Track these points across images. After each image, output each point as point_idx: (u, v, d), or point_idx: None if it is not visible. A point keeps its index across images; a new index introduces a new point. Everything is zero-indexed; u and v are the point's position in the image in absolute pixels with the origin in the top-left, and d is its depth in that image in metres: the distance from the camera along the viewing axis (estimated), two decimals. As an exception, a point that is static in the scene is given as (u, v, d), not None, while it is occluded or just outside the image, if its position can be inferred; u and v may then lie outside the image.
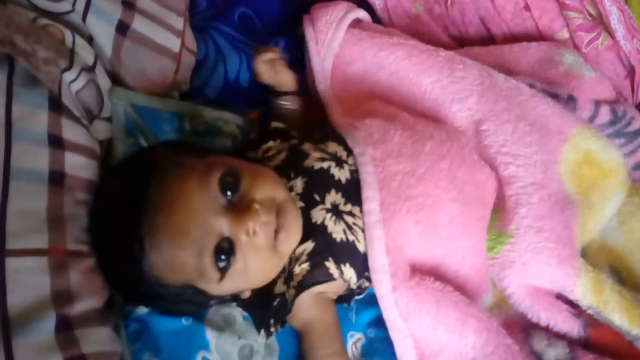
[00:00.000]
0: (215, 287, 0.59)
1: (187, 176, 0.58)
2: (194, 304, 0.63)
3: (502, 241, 0.69)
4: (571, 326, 0.67)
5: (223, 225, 0.57)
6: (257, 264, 0.59)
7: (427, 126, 0.71)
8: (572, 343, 0.66)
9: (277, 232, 0.59)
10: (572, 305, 0.69)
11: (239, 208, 0.58)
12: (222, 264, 0.57)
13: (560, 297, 0.70)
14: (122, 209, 0.57)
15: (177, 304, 0.61)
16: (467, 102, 0.75)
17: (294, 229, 0.61)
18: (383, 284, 0.61)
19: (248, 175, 0.60)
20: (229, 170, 0.59)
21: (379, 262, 0.61)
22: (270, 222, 0.59)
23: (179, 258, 0.56)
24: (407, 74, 0.78)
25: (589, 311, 0.67)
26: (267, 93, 0.84)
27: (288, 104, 0.82)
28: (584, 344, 0.67)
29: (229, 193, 0.58)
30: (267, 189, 0.61)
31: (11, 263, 0.51)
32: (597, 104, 0.78)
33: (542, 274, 0.67)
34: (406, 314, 0.61)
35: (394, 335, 0.62)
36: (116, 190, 0.60)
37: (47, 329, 0.52)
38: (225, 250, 0.57)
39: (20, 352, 0.49)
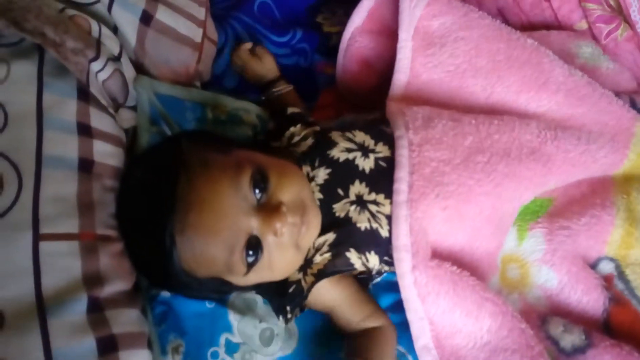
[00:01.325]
0: (241, 279, 0.61)
1: (218, 177, 0.59)
2: (217, 292, 0.65)
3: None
4: (598, 296, 0.69)
5: (253, 225, 0.58)
6: (281, 260, 0.61)
7: (475, 118, 0.71)
8: (589, 329, 0.67)
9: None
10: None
11: (267, 209, 0.59)
12: (250, 259, 0.59)
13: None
14: (151, 205, 0.58)
15: (202, 292, 0.63)
16: (555, 97, 0.74)
17: (313, 226, 0.63)
18: (404, 262, 0.62)
19: (275, 173, 0.61)
20: (257, 169, 0.60)
21: (402, 241, 0.62)
22: (296, 224, 0.60)
23: (209, 254, 0.58)
24: (499, 39, 0.75)
25: (607, 268, 0.70)
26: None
27: (280, 88, 0.84)
28: (604, 325, 0.68)
29: (257, 192, 0.60)
30: (294, 189, 0.62)
31: (45, 247, 0.53)
32: (617, 95, 0.78)
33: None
34: (425, 294, 0.62)
35: (411, 316, 0.62)
36: (143, 184, 0.61)
37: (80, 310, 0.54)
38: (253, 247, 0.59)
39: (55, 331, 0.51)
